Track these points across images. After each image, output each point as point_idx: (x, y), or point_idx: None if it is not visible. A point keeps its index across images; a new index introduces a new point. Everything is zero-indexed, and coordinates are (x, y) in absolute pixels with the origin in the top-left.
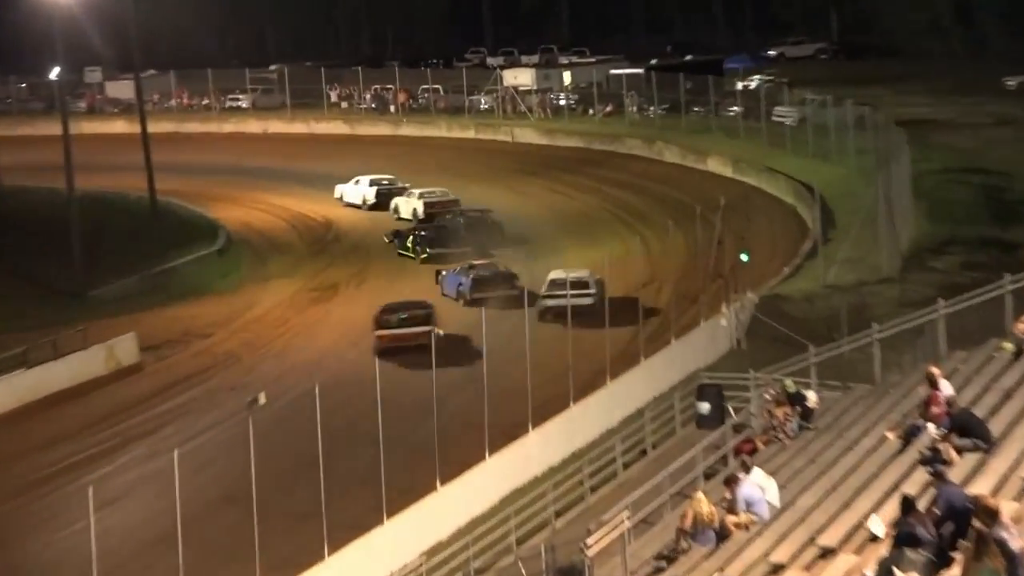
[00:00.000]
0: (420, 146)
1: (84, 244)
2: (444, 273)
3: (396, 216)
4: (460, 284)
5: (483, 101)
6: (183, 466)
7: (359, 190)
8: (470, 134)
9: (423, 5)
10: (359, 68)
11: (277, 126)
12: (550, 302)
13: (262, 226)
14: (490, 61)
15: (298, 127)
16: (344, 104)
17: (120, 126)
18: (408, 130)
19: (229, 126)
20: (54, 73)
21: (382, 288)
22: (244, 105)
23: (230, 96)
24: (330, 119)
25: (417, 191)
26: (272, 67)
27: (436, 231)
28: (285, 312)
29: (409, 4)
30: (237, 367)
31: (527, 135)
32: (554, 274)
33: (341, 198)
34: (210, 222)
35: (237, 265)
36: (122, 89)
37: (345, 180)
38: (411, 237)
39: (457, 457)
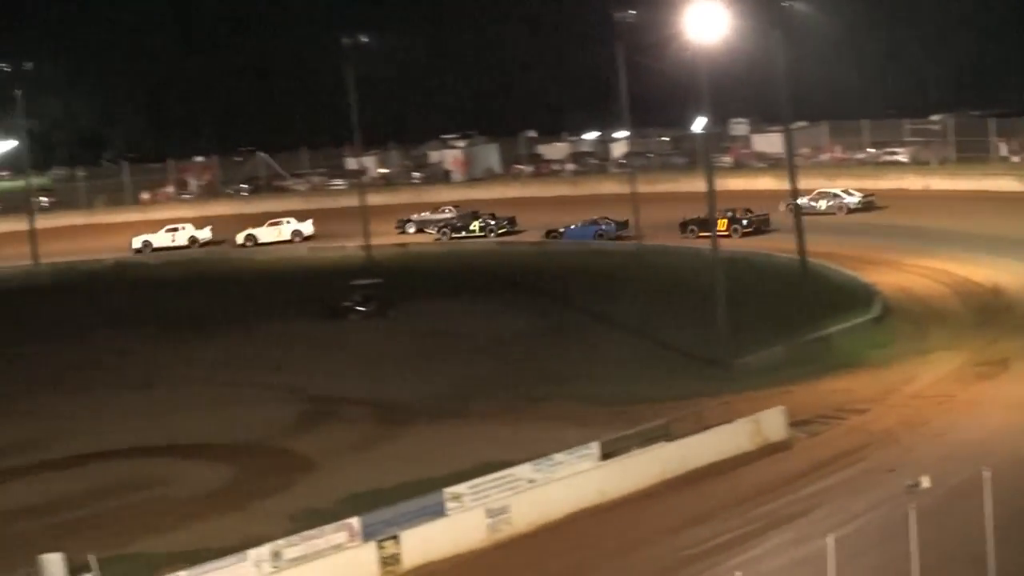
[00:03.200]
0: None
1: (728, 309)
2: (562, 229)
3: (252, 244)
4: (599, 230)
5: None
6: (837, 553)
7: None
8: None
9: None
10: None
11: (939, 182)
12: (822, 206)
13: (920, 292)
14: None
15: (962, 183)
16: (1015, 158)
17: (766, 182)
18: None
19: (885, 182)
20: (698, 126)
21: None
22: (902, 159)
23: (887, 149)
24: (999, 175)
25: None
26: (934, 117)
27: (492, 220)
28: (948, 388)
29: None
30: (894, 447)
31: None
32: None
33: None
34: (865, 287)
35: (893, 335)
36: (770, 142)
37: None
38: (478, 223)
39: None
